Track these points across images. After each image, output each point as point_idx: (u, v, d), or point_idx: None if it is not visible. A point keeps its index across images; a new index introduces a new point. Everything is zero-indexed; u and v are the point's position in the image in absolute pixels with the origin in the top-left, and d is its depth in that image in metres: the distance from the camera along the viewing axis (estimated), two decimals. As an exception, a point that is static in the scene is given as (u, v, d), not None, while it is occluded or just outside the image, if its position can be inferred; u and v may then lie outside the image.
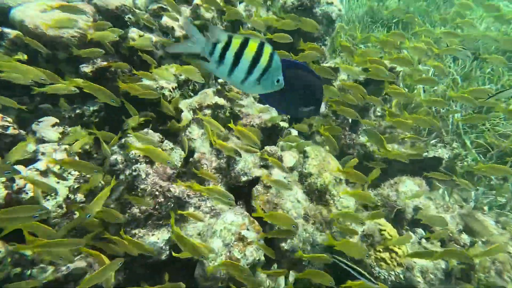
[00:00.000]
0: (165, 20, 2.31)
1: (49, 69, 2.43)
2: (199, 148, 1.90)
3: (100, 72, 2.47)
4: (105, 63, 2.43)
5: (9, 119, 1.91)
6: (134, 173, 1.65)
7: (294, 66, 0.99)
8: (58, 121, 2.30)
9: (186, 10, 2.40)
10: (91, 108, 2.53)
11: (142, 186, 1.62)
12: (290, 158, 1.80)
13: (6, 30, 2.15)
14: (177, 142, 1.99)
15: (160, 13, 2.45)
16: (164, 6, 2.42)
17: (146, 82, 2.28)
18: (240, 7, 2.95)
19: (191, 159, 1.86)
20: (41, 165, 1.64)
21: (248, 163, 1.86)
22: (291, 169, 1.84)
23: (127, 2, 2.51)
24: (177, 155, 1.92)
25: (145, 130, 2.00)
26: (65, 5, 2.00)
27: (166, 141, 1.89)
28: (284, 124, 2.29)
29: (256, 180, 1.84)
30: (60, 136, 2.24)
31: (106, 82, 2.58)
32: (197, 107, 1.93)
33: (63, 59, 2.29)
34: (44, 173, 1.62)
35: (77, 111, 2.50)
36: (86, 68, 2.39)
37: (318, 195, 1.75)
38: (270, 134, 2.30)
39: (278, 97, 1.01)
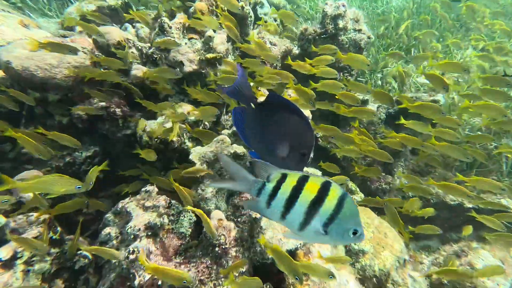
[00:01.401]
0: (174, 54, 2.02)
1: (38, 111, 2.13)
2: (214, 212, 1.48)
3: (97, 114, 2.16)
4: (103, 103, 2.12)
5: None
6: (131, 256, 1.22)
7: (281, 102, 0.88)
8: (41, 174, 1.93)
9: (197, 42, 2.11)
10: (84, 154, 2.18)
11: (138, 278, 1.18)
12: None
13: None
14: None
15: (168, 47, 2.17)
16: (172, 39, 2.15)
17: (150, 124, 1.93)
18: (254, 32, 2.70)
19: (204, 229, 1.43)
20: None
21: (277, 232, 1.42)
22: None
23: (130, 36, 2.26)
24: (186, 221, 1.50)
25: (148, 188, 1.60)
26: (55, 43, 1.72)
27: (173, 203, 1.48)
28: (312, 171, 1.88)
29: (290, 254, 1.39)
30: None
31: (103, 125, 2.26)
32: (212, 158, 1.54)
33: (53, 101, 1.98)
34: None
35: (67, 159, 2.14)
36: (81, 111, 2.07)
37: (376, 283, 1.28)
38: None
39: (257, 131, 0.91)
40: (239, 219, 1.56)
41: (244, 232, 1.47)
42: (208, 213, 1.54)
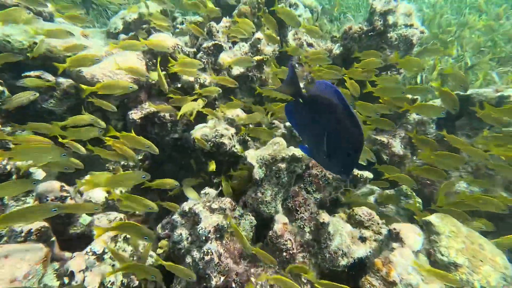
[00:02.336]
0: (223, 58, 2.04)
1: (96, 116, 2.24)
2: (277, 216, 1.44)
3: (148, 117, 2.23)
4: (151, 109, 2.18)
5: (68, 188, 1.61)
6: (206, 257, 1.22)
7: (328, 93, 0.81)
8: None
9: (245, 45, 2.12)
10: (136, 158, 2.25)
11: (214, 278, 1.17)
12: (412, 235, 1.24)
13: (60, 80, 2.00)
14: (246, 206, 1.56)
15: (215, 51, 2.20)
16: (219, 43, 2.17)
17: (202, 128, 1.95)
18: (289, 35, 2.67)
19: (270, 233, 1.40)
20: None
21: (345, 238, 1.36)
22: (416, 254, 1.27)
23: (179, 42, 2.32)
24: (247, 224, 1.48)
25: (207, 190, 1.61)
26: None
27: (237, 207, 1.47)
28: (366, 174, 1.78)
29: (361, 263, 1.32)
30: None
31: (152, 128, 2.33)
32: (271, 161, 1.52)
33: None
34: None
35: (122, 162, 2.24)
36: (135, 115, 2.15)
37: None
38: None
39: (306, 126, 0.87)
40: (294, 224, 1.51)
41: (310, 238, 1.42)
42: (270, 217, 1.51)
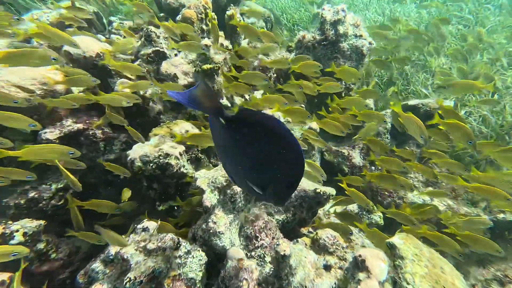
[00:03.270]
0: (166, 67, 1.76)
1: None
2: (231, 250, 1.20)
3: (72, 137, 1.80)
4: (79, 125, 1.77)
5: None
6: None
7: (260, 118, 0.66)
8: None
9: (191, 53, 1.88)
10: (54, 186, 1.78)
11: None
12: (377, 262, 1.09)
13: None
14: (195, 239, 1.28)
15: (156, 59, 1.91)
16: (161, 50, 1.89)
17: (142, 147, 1.62)
18: (243, 43, 2.54)
19: (222, 273, 1.14)
20: None
21: (308, 270, 1.17)
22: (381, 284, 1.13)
23: (109, 47, 1.97)
24: (195, 263, 1.20)
25: (145, 225, 1.29)
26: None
27: (181, 241, 1.18)
28: (329, 190, 1.66)
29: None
30: None
31: (79, 150, 1.90)
32: (224, 184, 1.28)
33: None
34: None
35: (30, 194, 1.73)
36: (50, 134, 1.71)
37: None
38: (310, 206, 1.66)
39: (228, 152, 0.71)
40: (253, 253, 1.29)
41: (269, 273, 1.20)
42: (223, 251, 1.25)
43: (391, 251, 1.17)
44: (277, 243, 1.13)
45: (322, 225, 1.66)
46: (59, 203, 1.83)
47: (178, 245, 1.12)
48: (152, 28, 1.87)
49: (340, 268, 1.18)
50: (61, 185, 1.82)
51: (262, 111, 0.70)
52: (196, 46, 1.61)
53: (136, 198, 1.85)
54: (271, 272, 1.22)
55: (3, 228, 1.44)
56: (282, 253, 1.10)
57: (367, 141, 1.84)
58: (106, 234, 1.09)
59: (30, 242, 1.62)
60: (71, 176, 1.48)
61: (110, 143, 1.94)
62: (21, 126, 1.32)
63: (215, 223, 1.24)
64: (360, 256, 1.07)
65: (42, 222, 1.72)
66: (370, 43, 2.22)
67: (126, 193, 1.43)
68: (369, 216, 1.80)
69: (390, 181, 1.72)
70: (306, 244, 1.34)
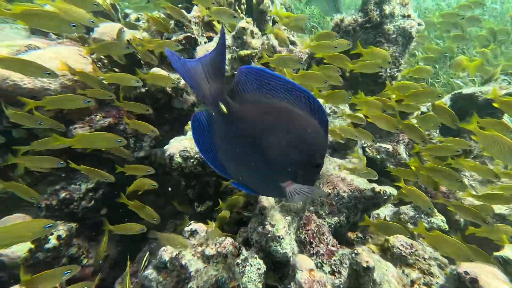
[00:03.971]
0: (201, 53, 1.60)
1: (18, 134, 1.62)
2: (298, 257, 1.03)
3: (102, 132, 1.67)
4: (110, 119, 1.64)
5: None
6: None
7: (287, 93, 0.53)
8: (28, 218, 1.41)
9: (227, 38, 1.71)
10: (83, 187, 1.66)
11: None
12: (496, 284, 0.85)
13: None
14: (249, 244, 1.12)
15: (187, 46, 1.76)
16: (193, 36, 1.73)
17: (180, 141, 1.47)
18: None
19: (293, 286, 0.97)
20: None
21: (389, 278, 0.99)
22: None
23: (139, 35, 1.82)
24: (253, 272, 1.04)
25: (193, 227, 1.14)
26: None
27: (241, 246, 1.03)
28: (389, 190, 1.47)
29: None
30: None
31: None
32: None
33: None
34: None
35: (62, 194, 1.61)
36: (81, 130, 1.58)
37: None
38: (366, 208, 1.48)
39: (236, 151, 0.56)
40: (333, 265, 1.12)
41: (337, 285, 1.03)
42: (284, 259, 1.09)
43: (505, 268, 0.96)
44: (356, 251, 0.96)
45: (375, 227, 1.48)
46: (90, 204, 1.71)
47: (240, 251, 0.96)
48: (183, 12, 1.71)
49: (426, 285, 1.00)
50: (91, 185, 1.71)
51: (265, 70, 0.54)
52: (228, 14, 1.43)
53: (168, 197, 1.71)
54: (341, 286, 1.05)
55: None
56: (364, 264, 0.93)
57: (403, 127, 1.55)
58: (164, 238, 0.94)
59: (63, 246, 1.51)
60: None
61: (140, 139, 1.80)
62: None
63: (273, 226, 1.07)
64: (466, 273, 0.86)
65: (73, 224, 1.60)
66: (419, 24, 2.00)
67: (225, 214, 1.28)
68: (428, 219, 1.60)
69: (445, 174, 1.49)
70: (373, 252, 1.17)
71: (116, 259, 1.85)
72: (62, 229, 1.52)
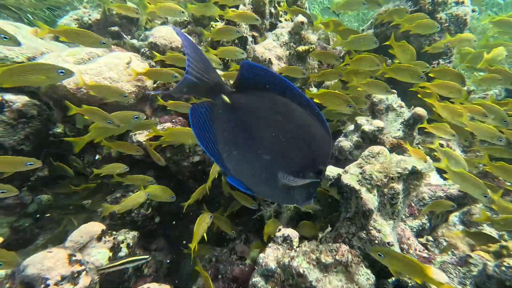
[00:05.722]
0: (261, 51, 1.55)
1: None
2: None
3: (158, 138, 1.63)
4: (168, 124, 1.60)
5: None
6: None
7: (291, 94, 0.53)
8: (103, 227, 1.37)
9: (283, 33, 1.66)
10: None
11: None
12: None
13: (9, 97, 1.32)
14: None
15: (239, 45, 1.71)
16: (244, 35, 1.69)
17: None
18: None
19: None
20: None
21: None
22: None
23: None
24: (363, 281, 0.97)
25: (285, 232, 1.08)
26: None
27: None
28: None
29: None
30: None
31: (162, 152, 1.73)
32: (384, 180, 1.04)
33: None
34: None
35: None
36: (140, 136, 1.54)
37: None
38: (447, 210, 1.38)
39: (236, 144, 0.55)
40: None
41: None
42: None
43: None
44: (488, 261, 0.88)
45: (453, 234, 1.38)
46: (148, 212, 1.67)
47: (360, 258, 0.90)
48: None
49: None
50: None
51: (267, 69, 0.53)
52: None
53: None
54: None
55: (113, 238, 1.28)
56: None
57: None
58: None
59: (131, 255, 1.46)
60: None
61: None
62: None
63: (379, 231, 1.00)
64: None
65: (135, 233, 1.57)
66: (473, 11, 1.92)
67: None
68: None
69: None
70: (489, 260, 1.08)
71: (170, 268, 1.81)
72: (128, 237, 1.48)
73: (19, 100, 1.32)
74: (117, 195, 1.57)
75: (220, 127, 0.56)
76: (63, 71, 0.93)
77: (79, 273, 0.99)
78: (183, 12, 1.41)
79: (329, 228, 0.96)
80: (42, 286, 0.88)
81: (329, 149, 0.55)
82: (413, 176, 1.06)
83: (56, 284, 0.89)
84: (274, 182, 0.55)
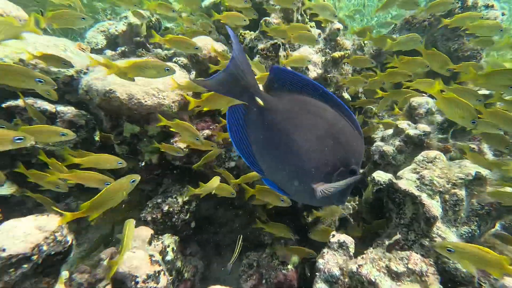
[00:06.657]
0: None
1: (120, 151, 1.63)
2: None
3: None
4: (207, 131, 1.63)
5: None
6: None
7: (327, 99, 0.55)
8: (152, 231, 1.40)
9: (318, 40, 1.68)
10: (180, 200, 1.65)
11: None
12: None
13: (61, 108, 1.38)
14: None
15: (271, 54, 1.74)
16: (278, 42, 1.72)
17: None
18: None
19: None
20: None
21: None
22: None
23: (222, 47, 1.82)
24: None
25: (340, 238, 1.09)
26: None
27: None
28: None
29: None
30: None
31: (198, 159, 1.76)
32: (447, 186, 1.04)
33: (153, 135, 1.48)
34: None
35: (165, 208, 1.61)
36: (181, 144, 1.58)
37: None
38: (499, 215, 1.37)
39: (269, 146, 0.57)
40: None
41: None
42: (467, 279, 1.00)
43: None
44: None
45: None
46: (186, 217, 1.70)
47: (434, 269, 0.90)
48: (269, 19, 1.70)
49: None
50: (186, 198, 1.69)
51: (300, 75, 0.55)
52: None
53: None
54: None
55: (161, 243, 1.31)
56: None
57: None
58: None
59: (175, 259, 1.49)
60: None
61: (229, 149, 1.79)
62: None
63: (444, 239, 1.00)
64: None
65: (177, 237, 1.59)
66: (503, 14, 1.92)
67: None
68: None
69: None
70: None
71: (204, 273, 1.83)
72: (171, 242, 1.50)
73: (69, 111, 1.36)
74: (158, 200, 1.60)
75: (254, 129, 0.57)
76: (168, 68, 1.06)
77: (159, 272, 1.03)
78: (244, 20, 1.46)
79: (398, 235, 0.97)
80: (133, 283, 0.92)
81: (361, 149, 0.56)
82: (477, 182, 1.06)
83: (144, 282, 0.93)
84: (309, 183, 0.55)
